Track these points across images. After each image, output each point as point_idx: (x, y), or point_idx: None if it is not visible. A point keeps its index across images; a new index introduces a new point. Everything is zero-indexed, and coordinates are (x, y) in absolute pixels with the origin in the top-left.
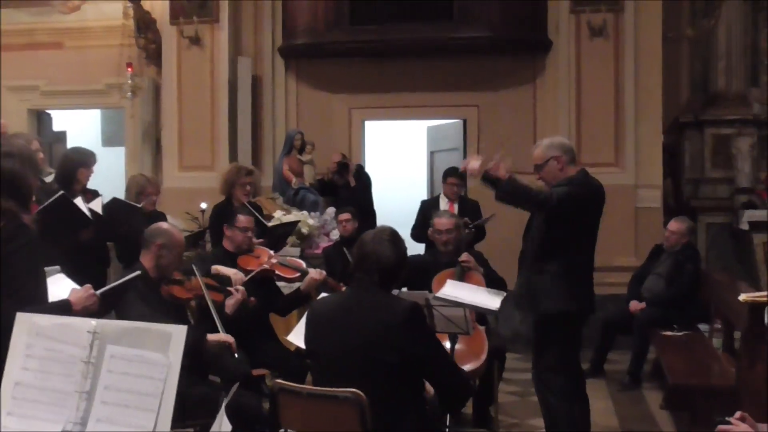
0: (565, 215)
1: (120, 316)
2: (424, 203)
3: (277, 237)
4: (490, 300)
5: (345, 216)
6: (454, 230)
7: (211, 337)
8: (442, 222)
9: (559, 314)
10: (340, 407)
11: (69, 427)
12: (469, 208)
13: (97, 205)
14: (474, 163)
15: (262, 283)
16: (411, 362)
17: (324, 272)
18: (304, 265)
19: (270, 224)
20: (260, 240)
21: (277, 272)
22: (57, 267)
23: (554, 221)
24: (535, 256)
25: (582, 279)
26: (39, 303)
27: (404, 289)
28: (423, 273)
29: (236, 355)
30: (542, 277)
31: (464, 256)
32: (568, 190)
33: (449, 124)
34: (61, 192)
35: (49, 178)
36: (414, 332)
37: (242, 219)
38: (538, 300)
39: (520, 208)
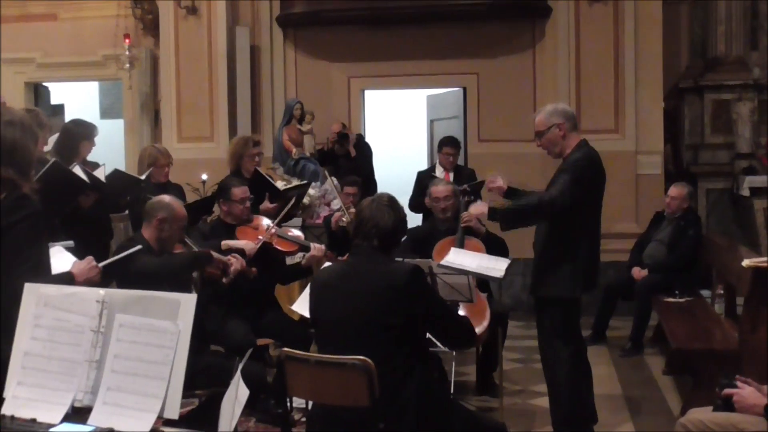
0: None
1: (124, 280)
2: (420, 174)
3: (289, 199)
4: (495, 267)
5: (352, 189)
6: (452, 197)
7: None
8: (439, 190)
9: (562, 299)
10: (348, 374)
11: (80, 396)
12: (465, 177)
13: (100, 174)
14: (500, 182)
15: (264, 254)
16: (415, 322)
17: (324, 247)
18: (303, 238)
19: (283, 187)
20: (274, 205)
21: (275, 246)
22: (71, 242)
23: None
24: (542, 241)
25: (588, 262)
26: (43, 275)
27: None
28: (423, 242)
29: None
30: (548, 263)
31: (465, 216)
32: (572, 178)
33: (449, 92)
34: (53, 159)
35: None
36: (417, 293)
37: (237, 191)
38: (543, 285)
39: (534, 224)
